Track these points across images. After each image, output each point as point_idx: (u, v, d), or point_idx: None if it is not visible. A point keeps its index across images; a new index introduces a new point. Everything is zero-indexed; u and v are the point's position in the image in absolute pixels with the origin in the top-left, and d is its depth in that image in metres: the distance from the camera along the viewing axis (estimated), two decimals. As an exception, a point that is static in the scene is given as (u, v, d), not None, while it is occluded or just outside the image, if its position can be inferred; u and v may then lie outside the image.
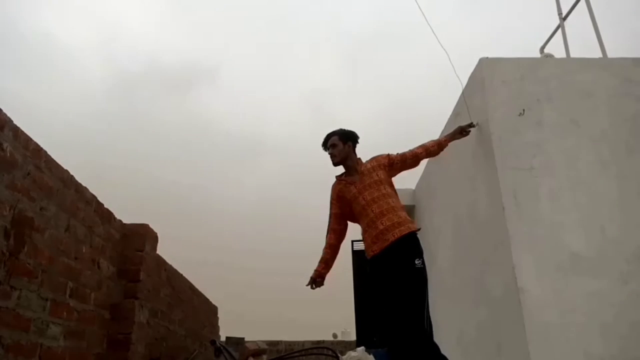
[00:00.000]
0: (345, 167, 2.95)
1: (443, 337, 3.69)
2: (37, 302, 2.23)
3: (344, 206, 2.89)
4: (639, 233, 2.80)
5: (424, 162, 3.25)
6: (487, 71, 3.25)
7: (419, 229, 2.76)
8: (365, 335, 7.06)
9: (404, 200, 5.37)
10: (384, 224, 2.67)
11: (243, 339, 5.84)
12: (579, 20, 4.18)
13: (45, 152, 2.39)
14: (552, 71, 3.27)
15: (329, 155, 2.96)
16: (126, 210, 3.56)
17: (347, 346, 8.67)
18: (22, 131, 2.19)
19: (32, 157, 2.27)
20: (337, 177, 2.99)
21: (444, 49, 3.31)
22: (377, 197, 2.74)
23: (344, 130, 3.00)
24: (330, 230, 2.95)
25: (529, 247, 2.75)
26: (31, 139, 2.27)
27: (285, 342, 9.64)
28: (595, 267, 2.70)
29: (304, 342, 9.56)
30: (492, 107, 3.14)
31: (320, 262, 2.90)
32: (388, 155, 2.97)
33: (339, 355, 3.66)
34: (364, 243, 2.81)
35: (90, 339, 2.79)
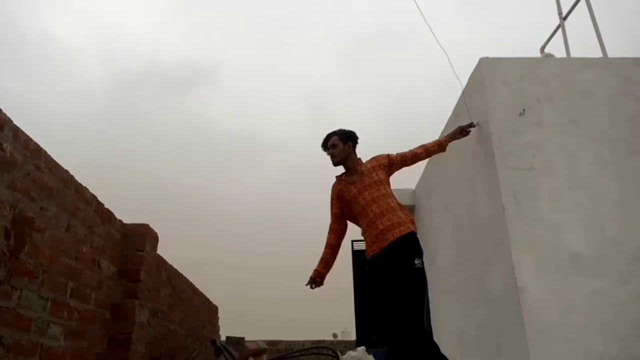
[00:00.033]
0: (345, 167, 2.96)
1: (443, 337, 3.69)
2: (37, 302, 2.23)
3: (344, 206, 2.89)
4: (639, 233, 2.80)
5: (423, 162, 3.25)
6: (487, 71, 3.25)
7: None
8: (365, 335, 7.06)
9: (404, 201, 5.39)
10: (384, 224, 2.67)
11: (243, 338, 5.85)
12: (579, 20, 4.19)
13: (45, 152, 2.39)
14: (552, 71, 3.27)
15: (329, 156, 2.96)
16: (126, 210, 3.57)
17: (347, 346, 8.67)
18: (22, 131, 2.19)
19: (32, 157, 2.27)
20: (337, 177, 2.99)
21: (443, 50, 3.32)
22: (377, 197, 2.74)
23: (344, 130, 3.00)
24: (331, 230, 2.95)
25: (529, 247, 2.75)
26: (31, 139, 2.27)
27: (285, 342, 9.64)
28: (595, 267, 2.70)
29: (304, 342, 9.56)
30: (492, 107, 3.14)
31: (320, 262, 2.91)
32: (388, 155, 2.97)
33: (339, 355, 3.66)
34: (365, 243, 2.81)
35: (90, 338, 2.79)
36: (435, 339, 2.53)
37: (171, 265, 4.76)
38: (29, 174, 2.22)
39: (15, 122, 2.14)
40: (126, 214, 3.42)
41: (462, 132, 3.25)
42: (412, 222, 2.77)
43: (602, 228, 2.80)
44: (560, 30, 4.32)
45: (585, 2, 4.02)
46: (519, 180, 2.92)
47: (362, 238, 2.87)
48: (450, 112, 4.01)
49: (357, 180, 2.83)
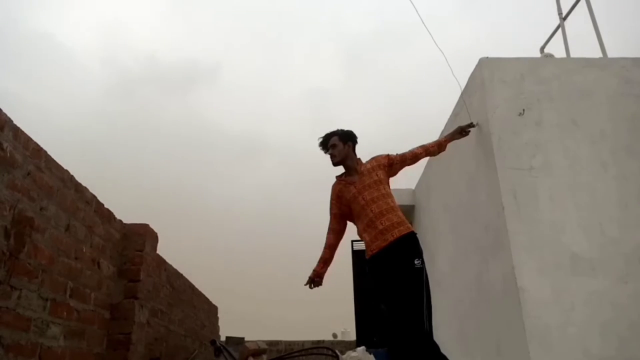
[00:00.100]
0: (345, 167, 2.96)
1: (443, 337, 3.69)
2: (37, 302, 2.23)
3: (343, 206, 2.89)
4: (639, 233, 2.80)
5: (423, 162, 3.25)
6: (487, 71, 3.25)
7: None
8: (365, 335, 7.07)
9: (404, 201, 5.40)
10: (384, 224, 2.67)
11: (243, 339, 5.84)
12: (579, 20, 4.19)
13: (45, 152, 2.39)
14: (552, 71, 3.27)
15: (328, 156, 2.96)
16: (126, 210, 3.57)
17: (347, 346, 8.67)
18: (22, 131, 2.19)
19: (32, 157, 2.27)
20: (337, 177, 3.00)
21: (441, 51, 3.32)
22: (376, 197, 2.74)
23: (344, 130, 3.00)
24: (330, 230, 2.95)
25: (529, 247, 2.75)
26: (31, 139, 2.27)
27: (285, 342, 9.64)
28: (595, 267, 2.71)
29: (304, 342, 9.56)
30: (492, 107, 3.14)
31: (319, 261, 2.90)
32: (388, 155, 2.97)
33: (339, 355, 3.65)
34: (364, 243, 2.81)
35: (90, 338, 2.79)
36: (435, 339, 2.53)
37: (171, 265, 4.76)
38: (29, 174, 2.22)
39: (15, 122, 2.14)
40: (126, 214, 3.42)
41: (461, 132, 3.25)
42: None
43: (602, 228, 2.80)
44: (560, 30, 4.32)
45: (585, 2, 4.02)
46: (519, 180, 2.92)
47: (361, 238, 2.86)
48: (450, 112, 4.01)
49: (357, 180, 2.83)
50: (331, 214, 2.97)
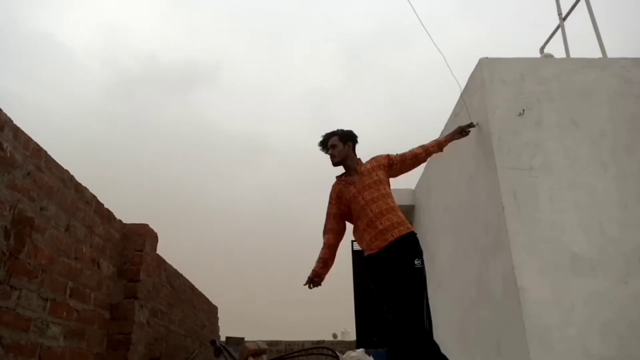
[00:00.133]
0: (345, 167, 2.95)
1: (443, 336, 3.69)
2: (37, 302, 2.23)
3: (343, 206, 2.89)
4: (639, 233, 2.80)
5: (423, 164, 3.25)
6: (486, 71, 3.25)
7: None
8: (365, 335, 7.07)
9: (404, 201, 5.41)
10: (383, 224, 2.67)
11: (243, 339, 5.84)
12: (579, 21, 4.19)
13: (45, 152, 2.39)
14: (552, 71, 3.27)
15: (328, 156, 2.96)
16: (126, 210, 3.57)
17: (347, 346, 8.67)
18: (22, 131, 2.19)
19: (32, 157, 2.27)
20: (337, 177, 3.00)
21: (440, 52, 3.32)
22: (376, 197, 2.74)
23: (344, 130, 3.00)
24: (328, 230, 2.94)
25: (529, 247, 2.75)
26: (31, 139, 2.27)
27: (285, 342, 9.64)
28: (595, 267, 2.71)
29: (304, 342, 9.56)
30: (492, 107, 3.14)
31: (318, 262, 2.88)
32: (388, 155, 2.97)
33: (339, 355, 3.65)
34: (362, 243, 2.80)
35: (90, 339, 2.79)
36: (435, 339, 2.53)
37: (171, 265, 4.76)
38: (29, 174, 2.22)
39: (15, 122, 2.14)
40: (126, 214, 3.42)
41: (461, 132, 3.25)
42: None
43: (602, 228, 2.80)
44: (560, 30, 4.32)
45: (585, 2, 4.02)
46: (519, 180, 2.92)
47: (360, 238, 2.86)
48: (450, 112, 4.02)
49: (357, 180, 2.83)
50: (330, 214, 2.96)
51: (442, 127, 4.11)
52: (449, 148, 3.25)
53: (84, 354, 2.71)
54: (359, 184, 2.81)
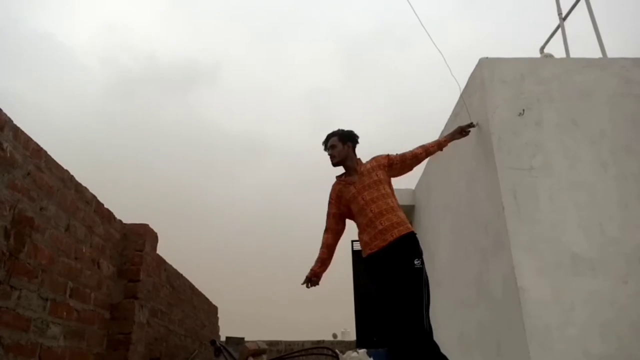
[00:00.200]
0: (345, 167, 2.96)
1: (443, 337, 3.69)
2: (37, 302, 2.23)
3: (343, 206, 2.89)
4: (639, 233, 2.80)
5: (423, 162, 3.25)
6: (486, 71, 3.25)
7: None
8: (365, 335, 7.07)
9: (404, 201, 5.40)
10: (383, 224, 2.67)
11: (243, 339, 5.84)
12: (579, 21, 4.19)
13: (45, 152, 2.39)
14: (552, 71, 3.27)
15: (328, 156, 2.96)
16: (126, 210, 3.57)
17: (347, 346, 8.67)
18: (22, 131, 2.19)
19: (32, 157, 2.27)
20: (337, 177, 3.00)
21: (440, 52, 3.32)
22: (376, 197, 2.74)
23: (344, 130, 3.00)
24: (327, 229, 2.94)
25: (529, 247, 2.75)
26: (31, 139, 2.27)
27: (285, 342, 9.64)
28: (595, 267, 2.71)
29: (304, 342, 9.56)
30: (492, 107, 3.14)
31: (317, 261, 2.89)
32: (388, 155, 2.97)
33: (339, 355, 3.65)
34: (362, 242, 2.80)
35: (90, 339, 2.79)
36: (435, 339, 2.53)
37: (171, 265, 4.76)
38: (29, 174, 2.21)
39: (15, 122, 2.14)
40: (126, 214, 3.42)
41: (461, 132, 3.25)
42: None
43: (602, 228, 2.80)
44: (560, 30, 4.32)
45: (585, 2, 4.02)
46: (519, 180, 2.92)
47: (359, 238, 2.86)
48: (450, 112, 4.02)
49: (357, 180, 2.83)
50: (329, 213, 2.96)
51: (442, 127, 4.11)
52: (449, 148, 3.25)
53: (84, 354, 2.71)
54: (358, 184, 2.81)
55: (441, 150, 3.19)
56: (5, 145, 2.05)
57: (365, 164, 2.94)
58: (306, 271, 2.88)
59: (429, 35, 3.26)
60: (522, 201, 2.87)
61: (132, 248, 3.38)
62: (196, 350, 5.48)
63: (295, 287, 2.88)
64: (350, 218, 2.93)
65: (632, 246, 2.76)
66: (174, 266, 4.88)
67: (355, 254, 7.49)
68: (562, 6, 4.35)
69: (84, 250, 2.74)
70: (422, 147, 3.09)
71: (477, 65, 3.36)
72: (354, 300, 7.62)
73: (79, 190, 2.74)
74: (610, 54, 3.72)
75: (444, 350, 2.49)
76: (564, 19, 4.31)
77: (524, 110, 3.12)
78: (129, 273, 3.29)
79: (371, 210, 2.71)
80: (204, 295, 6.43)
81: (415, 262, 2.59)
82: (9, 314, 2.02)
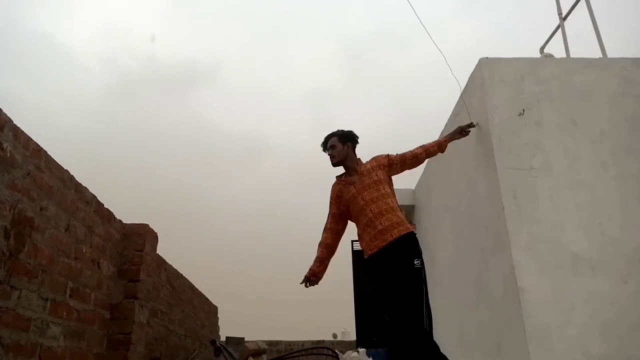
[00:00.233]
0: (345, 167, 2.96)
1: (443, 336, 3.69)
2: (37, 302, 2.23)
3: (343, 206, 2.89)
4: (639, 233, 2.80)
5: (423, 163, 3.25)
6: (486, 71, 3.25)
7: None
8: (365, 335, 7.07)
9: (404, 201, 5.41)
10: (383, 224, 2.67)
11: (243, 339, 5.84)
12: (579, 20, 4.19)
13: (45, 152, 2.39)
14: (552, 71, 3.27)
15: (328, 157, 2.96)
16: (126, 210, 3.57)
17: (347, 346, 8.67)
18: (22, 131, 2.19)
19: (32, 157, 2.27)
20: (337, 177, 3.00)
21: (441, 52, 3.32)
22: (376, 197, 2.74)
23: (343, 131, 3.00)
24: (327, 229, 2.94)
25: (529, 247, 2.75)
26: (31, 139, 2.27)
27: (285, 342, 9.64)
28: (595, 267, 2.71)
29: (304, 342, 9.56)
30: (492, 107, 3.14)
31: (315, 261, 2.88)
32: (388, 155, 2.97)
33: (339, 355, 3.65)
34: (362, 243, 2.80)
35: (90, 339, 2.79)
36: (435, 339, 2.53)
37: (171, 265, 4.76)
38: (29, 174, 2.21)
39: (15, 122, 2.14)
40: (126, 214, 3.42)
41: (461, 132, 3.25)
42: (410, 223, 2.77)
43: (602, 228, 2.80)
44: (560, 30, 4.32)
45: (585, 2, 4.02)
46: (519, 180, 2.92)
47: (359, 238, 2.86)
48: (450, 112, 4.02)
49: (357, 180, 2.83)
50: (330, 213, 2.96)
51: (442, 127, 4.11)
52: (449, 148, 3.25)
53: (84, 354, 2.71)
54: (358, 184, 2.81)
55: (442, 151, 3.18)
56: (5, 145, 2.05)
57: (365, 164, 2.94)
58: (306, 271, 2.87)
59: (429, 34, 3.26)
60: (522, 201, 2.87)
61: (132, 248, 3.38)
62: (196, 350, 5.48)
63: (296, 287, 2.88)
64: (351, 219, 2.93)
65: (632, 246, 2.76)
66: (174, 266, 4.88)
67: (355, 254, 7.49)
68: (562, 6, 4.35)
69: (84, 250, 2.74)
70: (422, 147, 3.09)
71: (477, 65, 3.36)
72: (354, 300, 7.63)
73: (79, 190, 2.74)
74: (610, 54, 3.72)
75: (444, 350, 2.49)
76: (564, 19, 4.31)
77: (524, 110, 3.12)
78: (129, 273, 3.29)
79: (371, 210, 2.71)
80: (204, 295, 6.43)
81: (415, 262, 2.59)
82: (9, 314, 2.02)
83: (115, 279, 3.22)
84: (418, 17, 3.22)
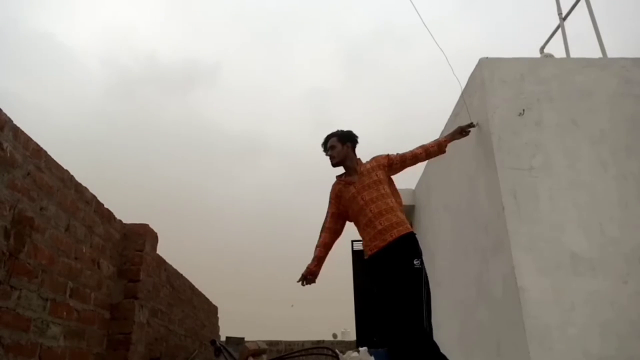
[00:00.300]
0: (345, 167, 2.96)
1: (443, 337, 3.69)
2: (37, 302, 2.23)
3: (342, 206, 2.89)
4: (639, 233, 2.80)
5: (423, 162, 3.25)
6: (487, 71, 3.25)
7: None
8: (365, 335, 7.07)
9: (404, 201, 5.39)
10: (383, 224, 2.67)
11: (243, 339, 5.84)
12: (579, 20, 4.19)
13: (45, 152, 2.39)
14: (552, 71, 3.27)
15: (328, 157, 2.97)
16: (126, 210, 3.57)
17: (347, 346, 8.67)
18: (22, 131, 2.19)
19: (32, 157, 2.27)
20: (337, 177, 3.00)
21: (442, 51, 3.32)
22: (375, 197, 2.74)
23: (343, 131, 3.01)
24: (325, 229, 2.94)
25: (529, 247, 2.75)
26: (31, 139, 2.27)
27: (285, 342, 9.64)
28: (595, 267, 2.70)
29: (304, 342, 9.56)
30: (492, 107, 3.14)
31: (313, 260, 2.88)
32: (387, 155, 2.97)
33: (339, 355, 3.65)
34: (362, 242, 2.81)
35: (90, 339, 2.79)
36: (435, 339, 2.53)
37: (171, 265, 4.76)
38: (29, 174, 2.21)
39: (15, 122, 2.14)
40: (126, 214, 3.42)
41: (461, 132, 3.25)
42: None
43: (602, 228, 2.80)
44: (560, 30, 4.32)
45: (585, 2, 4.02)
46: (519, 180, 2.92)
47: (361, 238, 2.86)
48: (450, 112, 4.01)
49: (357, 180, 2.83)
50: (329, 213, 2.96)
51: (442, 127, 4.11)
52: (449, 148, 3.25)
53: (84, 354, 2.71)
54: (358, 184, 2.81)
55: (442, 152, 3.18)
56: (5, 145, 2.05)
57: (365, 164, 2.94)
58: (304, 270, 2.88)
59: (431, 34, 3.26)
60: (522, 201, 2.87)
61: (132, 248, 3.38)
62: (196, 350, 5.48)
63: (295, 287, 2.88)
64: (350, 219, 2.93)
65: (632, 246, 2.76)
66: (174, 266, 4.88)
67: (355, 254, 7.49)
68: (562, 6, 4.35)
69: (84, 250, 2.74)
70: (422, 147, 3.09)
71: (477, 65, 3.36)
72: (354, 300, 7.63)
73: (79, 190, 2.74)
74: (610, 54, 3.72)
75: (444, 350, 2.49)
76: (564, 19, 4.31)
77: (524, 110, 3.12)
78: (129, 273, 3.29)
79: (370, 211, 2.71)
80: (204, 295, 6.43)
81: (415, 262, 2.59)
82: (9, 314, 2.02)
83: (115, 279, 3.22)
84: (420, 17, 3.22)
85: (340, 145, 2.93)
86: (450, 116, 3.99)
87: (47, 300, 2.32)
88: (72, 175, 2.65)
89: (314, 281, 2.89)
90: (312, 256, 2.91)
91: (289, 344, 9.58)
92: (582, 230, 2.80)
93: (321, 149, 3.03)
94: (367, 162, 2.95)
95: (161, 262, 4.36)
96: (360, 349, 3.81)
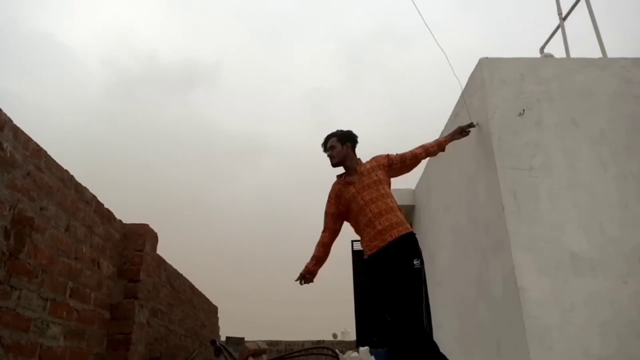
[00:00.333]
0: (344, 167, 2.96)
1: (443, 337, 3.69)
2: (37, 302, 2.23)
3: (342, 206, 2.89)
4: (639, 233, 2.80)
5: (423, 162, 3.25)
6: (487, 71, 3.25)
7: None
8: (365, 335, 7.07)
9: (404, 201, 5.40)
10: (382, 224, 2.67)
11: (243, 339, 5.84)
12: (579, 20, 4.19)
13: (45, 152, 2.39)
14: (552, 71, 3.27)
15: (328, 157, 2.97)
16: (127, 210, 3.57)
17: (347, 346, 8.67)
18: (22, 131, 2.19)
19: (32, 157, 2.27)
20: (337, 176, 3.00)
21: (443, 51, 3.32)
22: (375, 197, 2.74)
23: (343, 131, 3.01)
24: (326, 228, 2.94)
25: (529, 247, 2.75)
26: (31, 139, 2.27)
27: (285, 342, 9.64)
28: (595, 267, 2.70)
29: (304, 342, 9.56)
30: (492, 107, 3.14)
31: (312, 259, 2.88)
32: (387, 155, 2.97)
33: (339, 355, 3.66)
34: (362, 243, 2.81)
35: (90, 339, 2.79)
36: (435, 339, 2.53)
37: (171, 265, 4.76)
38: (29, 173, 2.21)
39: (15, 122, 2.14)
40: (126, 214, 3.42)
41: (461, 132, 3.25)
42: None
43: (602, 228, 2.80)
44: (560, 30, 4.32)
45: (585, 2, 4.02)
46: (519, 180, 2.92)
47: (360, 238, 2.86)
48: (450, 112, 4.01)
49: (356, 180, 2.83)
50: (327, 212, 2.95)
51: (442, 127, 4.11)
52: (449, 148, 3.25)
53: (84, 354, 2.71)
54: (358, 184, 2.81)
55: (442, 150, 3.19)
56: (5, 145, 2.05)
57: (365, 164, 2.94)
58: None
59: (432, 34, 3.26)
60: (522, 201, 2.87)
61: (132, 248, 3.38)
62: (196, 350, 5.48)
63: (296, 287, 2.88)
64: (348, 219, 2.93)
65: (632, 246, 2.76)
66: (174, 266, 4.88)
67: (355, 254, 7.49)
68: (562, 6, 4.35)
69: (84, 250, 2.74)
70: (422, 147, 3.09)
71: (477, 65, 3.36)
72: (354, 300, 7.63)
73: (79, 190, 2.74)
74: (610, 54, 3.72)
75: (444, 350, 2.49)
76: (564, 19, 4.31)
77: (524, 110, 3.12)
78: (129, 273, 3.29)
79: (370, 211, 2.71)
80: (204, 295, 6.43)
81: (415, 262, 2.59)
82: (9, 314, 2.02)
83: (115, 279, 3.22)
84: (422, 17, 3.22)
85: (340, 145, 2.93)
86: (450, 116, 3.99)
87: (47, 300, 2.32)
88: (72, 175, 2.65)
89: (312, 280, 2.89)
90: (310, 255, 2.92)
91: (289, 344, 9.58)
92: (582, 230, 2.80)
93: (321, 149, 3.03)
94: (367, 162, 2.95)
95: (161, 262, 4.36)
96: (361, 348, 3.81)
